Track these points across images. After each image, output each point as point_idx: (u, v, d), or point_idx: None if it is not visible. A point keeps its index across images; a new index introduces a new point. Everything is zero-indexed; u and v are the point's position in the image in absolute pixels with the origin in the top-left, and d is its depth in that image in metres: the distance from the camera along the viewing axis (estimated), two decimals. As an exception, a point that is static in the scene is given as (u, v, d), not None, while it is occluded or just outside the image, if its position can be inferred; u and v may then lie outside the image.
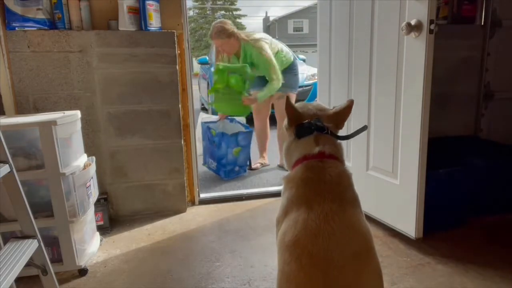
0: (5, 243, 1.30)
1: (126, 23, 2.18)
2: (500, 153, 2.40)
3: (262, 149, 3.61)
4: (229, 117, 3.46)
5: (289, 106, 1.13)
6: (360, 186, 1.13)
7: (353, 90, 2.27)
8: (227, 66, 3.16)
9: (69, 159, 1.76)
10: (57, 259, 1.74)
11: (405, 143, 1.91)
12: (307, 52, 17.50)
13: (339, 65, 2.38)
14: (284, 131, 1.21)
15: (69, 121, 1.77)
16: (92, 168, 1.93)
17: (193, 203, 2.63)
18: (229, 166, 3.23)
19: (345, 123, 1.18)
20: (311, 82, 5.60)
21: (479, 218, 2.21)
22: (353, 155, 2.30)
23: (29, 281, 1.66)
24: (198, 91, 7.62)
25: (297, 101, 3.24)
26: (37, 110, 2.16)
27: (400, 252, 1.90)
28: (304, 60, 6.94)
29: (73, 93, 2.20)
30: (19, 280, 1.63)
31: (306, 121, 1.12)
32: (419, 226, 1.90)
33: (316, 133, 1.09)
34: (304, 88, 5.43)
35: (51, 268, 1.38)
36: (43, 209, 1.69)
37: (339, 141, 1.14)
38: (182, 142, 2.43)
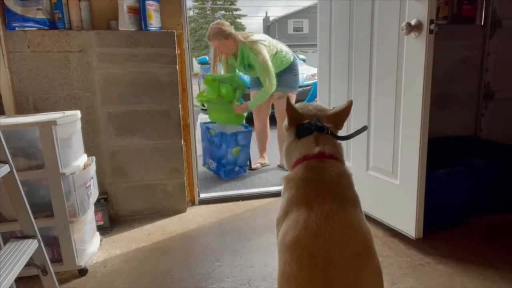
0: (5, 243, 1.30)
1: (126, 23, 2.18)
2: (500, 153, 2.40)
3: (262, 149, 3.61)
4: None
5: (289, 107, 1.13)
6: (360, 186, 1.13)
7: (353, 90, 2.27)
8: (217, 76, 3.21)
9: (69, 159, 1.76)
10: (57, 259, 1.74)
11: (405, 143, 1.91)
12: (307, 52, 17.52)
13: (339, 65, 2.38)
14: (284, 131, 1.21)
15: (69, 121, 1.77)
16: (92, 168, 1.93)
17: (193, 203, 2.63)
18: (229, 166, 3.23)
19: (345, 123, 1.19)
20: (311, 82, 5.61)
21: (479, 218, 2.21)
22: (353, 155, 2.31)
23: (29, 281, 1.66)
24: (198, 91, 7.63)
25: (297, 101, 3.25)
26: (37, 110, 2.16)
27: (400, 252, 1.90)
28: (304, 60, 6.95)
29: (73, 93, 2.20)
30: (19, 280, 1.63)
31: (306, 121, 1.12)
32: (419, 226, 1.90)
33: (316, 133, 1.09)
34: (304, 88, 5.43)
35: (51, 268, 1.38)
36: (43, 209, 1.69)
37: (339, 141, 1.14)
38: (182, 142, 2.43)
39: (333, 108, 1.18)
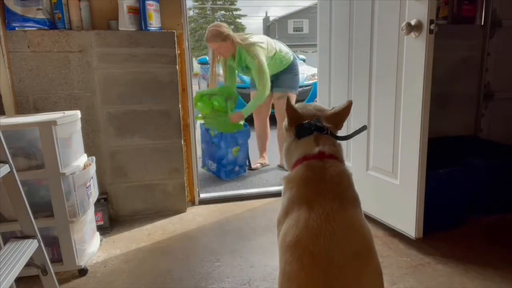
0: (5, 243, 1.30)
1: (126, 23, 2.18)
2: (500, 153, 2.40)
3: (262, 149, 3.61)
4: None
5: (289, 107, 1.13)
6: (360, 186, 1.13)
7: (353, 90, 2.27)
8: (205, 92, 3.24)
9: (69, 159, 1.76)
10: (57, 259, 1.74)
11: (405, 143, 1.91)
12: (307, 52, 17.50)
13: (339, 65, 2.38)
14: (284, 131, 1.21)
15: (69, 121, 1.77)
16: (92, 168, 1.93)
17: (193, 203, 2.63)
18: (229, 166, 3.23)
19: (345, 123, 1.19)
20: (311, 82, 5.60)
21: (479, 218, 2.21)
22: (353, 155, 2.31)
23: (29, 281, 1.66)
24: (198, 91, 7.62)
25: (297, 101, 3.25)
26: (37, 110, 2.16)
27: (400, 252, 1.91)
28: (304, 60, 6.95)
29: (73, 93, 2.20)
30: (19, 280, 1.63)
31: (306, 121, 1.12)
32: (419, 226, 1.90)
33: (316, 133, 1.10)
34: (304, 88, 5.43)
35: (51, 268, 1.38)
36: (43, 209, 1.69)
37: (338, 141, 1.14)
38: (182, 142, 2.43)
39: (333, 108, 1.18)
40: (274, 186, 2.96)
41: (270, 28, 31.50)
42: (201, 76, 7.11)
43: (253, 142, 3.54)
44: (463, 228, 2.12)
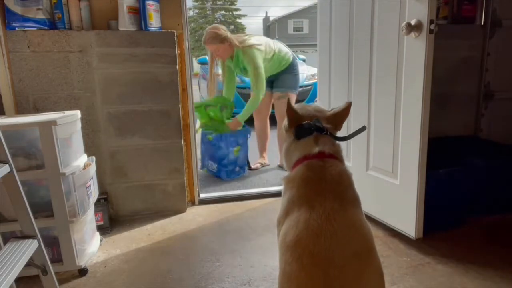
0: (5, 243, 1.30)
1: (126, 23, 2.18)
2: (500, 153, 2.40)
3: (262, 149, 3.61)
4: None
5: (289, 108, 1.14)
6: (360, 186, 1.13)
7: (353, 90, 2.27)
8: (199, 103, 3.25)
9: (69, 159, 1.76)
10: (57, 259, 1.74)
11: (405, 143, 1.91)
12: (307, 52, 17.49)
13: (339, 65, 2.38)
14: (284, 132, 1.21)
15: (69, 121, 1.77)
16: (92, 168, 1.93)
17: (193, 203, 2.63)
18: (230, 166, 3.23)
19: (345, 124, 1.19)
20: (311, 82, 5.61)
21: (479, 218, 2.21)
22: (353, 155, 2.31)
23: (29, 281, 1.66)
24: (198, 91, 7.62)
25: (297, 101, 3.25)
26: (37, 110, 2.16)
27: (400, 252, 1.91)
28: (304, 60, 6.95)
29: (73, 93, 2.20)
30: (19, 280, 1.63)
31: (306, 122, 1.12)
32: (419, 226, 1.90)
33: (316, 133, 1.10)
34: (304, 88, 5.43)
35: (51, 268, 1.38)
36: (43, 209, 1.69)
37: (338, 141, 1.14)
38: (182, 142, 2.43)
39: (332, 109, 1.19)
40: (274, 186, 2.96)
41: (270, 28, 31.51)
42: (201, 76, 7.10)
43: (253, 142, 3.54)
44: (463, 228, 2.12)
